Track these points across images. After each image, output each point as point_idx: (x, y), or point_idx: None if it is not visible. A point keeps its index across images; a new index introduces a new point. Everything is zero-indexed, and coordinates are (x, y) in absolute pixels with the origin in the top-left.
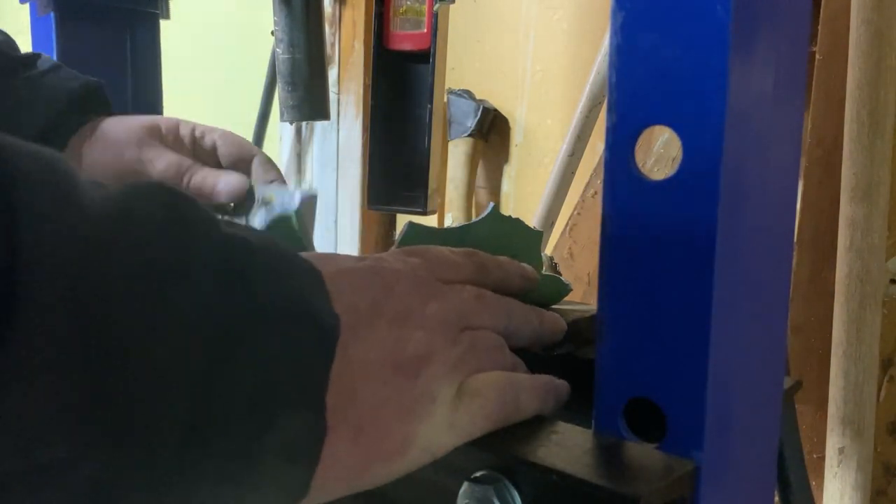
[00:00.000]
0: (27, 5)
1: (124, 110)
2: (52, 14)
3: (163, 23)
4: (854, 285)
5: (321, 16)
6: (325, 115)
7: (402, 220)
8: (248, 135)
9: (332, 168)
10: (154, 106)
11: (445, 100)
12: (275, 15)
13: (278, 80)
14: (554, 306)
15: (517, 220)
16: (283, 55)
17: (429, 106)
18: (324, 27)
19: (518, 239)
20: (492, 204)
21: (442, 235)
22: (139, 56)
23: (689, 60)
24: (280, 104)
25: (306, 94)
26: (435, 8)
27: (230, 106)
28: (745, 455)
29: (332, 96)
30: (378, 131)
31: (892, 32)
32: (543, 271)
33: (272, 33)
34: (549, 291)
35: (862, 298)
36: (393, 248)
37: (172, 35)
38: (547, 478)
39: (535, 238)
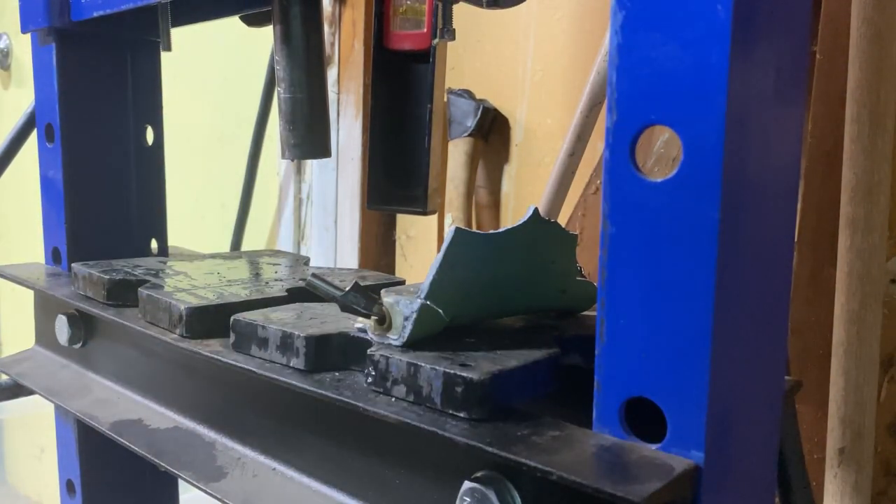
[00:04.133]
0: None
1: (125, 139)
2: (52, 45)
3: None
4: (854, 285)
5: (322, 54)
6: (325, 154)
7: (403, 220)
8: (248, 134)
9: (332, 168)
10: (155, 132)
11: (445, 100)
12: (275, 54)
13: (279, 118)
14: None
15: (555, 223)
16: (284, 94)
17: (429, 106)
18: (325, 65)
19: (555, 242)
20: (532, 206)
21: (487, 240)
22: (140, 84)
23: (689, 60)
24: (280, 142)
25: (307, 134)
26: (434, 43)
27: (230, 107)
28: (745, 455)
29: (332, 96)
30: (378, 131)
31: (892, 32)
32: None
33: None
34: (583, 296)
35: (862, 298)
36: (440, 253)
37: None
38: (547, 478)
39: (571, 242)
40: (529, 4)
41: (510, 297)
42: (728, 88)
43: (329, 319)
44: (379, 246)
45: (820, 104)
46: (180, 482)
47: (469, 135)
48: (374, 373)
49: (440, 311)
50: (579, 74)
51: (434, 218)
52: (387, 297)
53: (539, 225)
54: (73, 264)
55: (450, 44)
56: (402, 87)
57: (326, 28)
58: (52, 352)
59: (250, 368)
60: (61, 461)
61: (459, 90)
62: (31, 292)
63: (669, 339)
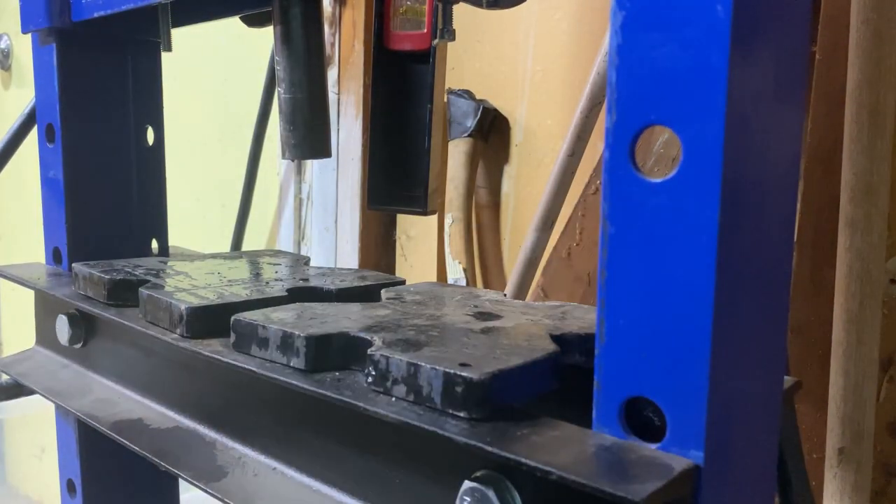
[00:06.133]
0: None
1: (126, 139)
2: (53, 45)
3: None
4: (854, 285)
5: (322, 54)
6: (325, 154)
7: (403, 220)
8: (248, 134)
9: (332, 168)
10: (156, 132)
11: (445, 100)
12: (275, 54)
13: (279, 118)
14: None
15: None
16: (284, 95)
17: (429, 106)
18: (325, 65)
19: None
20: None
21: None
22: (141, 85)
23: (689, 60)
24: (281, 142)
25: (308, 133)
26: (434, 43)
27: (230, 107)
28: (745, 455)
29: (332, 96)
30: (378, 131)
31: (892, 32)
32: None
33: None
34: None
35: (862, 298)
36: None
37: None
38: (547, 478)
39: None
40: (529, 4)
41: None
42: (728, 88)
43: (329, 319)
44: (379, 246)
45: (820, 104)
46: (181, 482)
47: (469, 135)
48: (374, 373)
49: None
50: (579, 74)
51: (434, 218)
52: None
53: None
54: (73, 264)
55: (450, 44)
56: (402, 88)
57: (326, 28)
58: (53, 352)
59: (250, 368)
60: (62, 461)
61: (459, 90)
62: (32, 292)
63: (669, 339)
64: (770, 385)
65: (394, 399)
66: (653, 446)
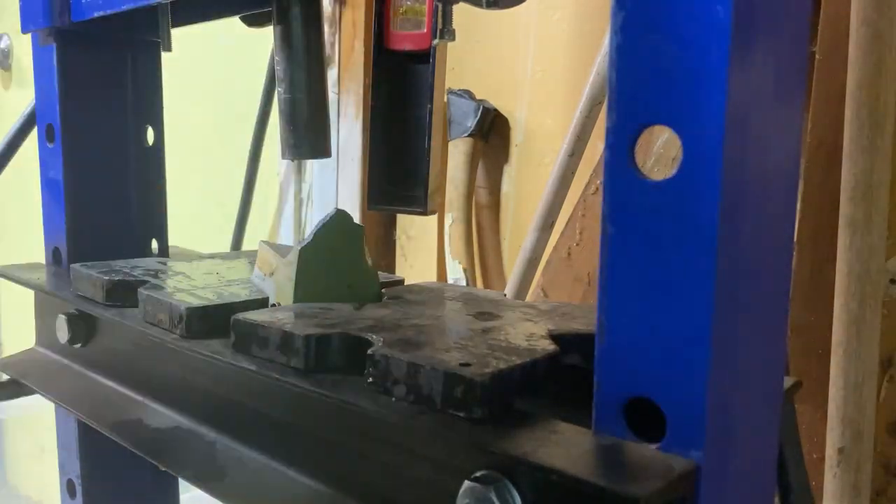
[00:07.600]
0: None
1: (126, 139)
2: (53, 45)
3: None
4: (854, 285)
5: (322, 54)
6: (325, 154)
7: (403, 220)
8: (248, 134)
9: (332, 168)
10: (156, 132)
11: (445, 100)
12: (275, 54)
13: (279, 118)
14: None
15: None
16: (284, 94)
17: (429, 106)
18: (325, 66)
19: (342, 234)
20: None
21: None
22: (141, 85)
23: (689, 60)
24: (280, 142)
25: (307, 133)
26: (434, 43)
27: (230, 107)
28: (745, 455)
29: (332, 96)
30: (378, 131)
31: (891, 33)
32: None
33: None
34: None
35: (862, 298)
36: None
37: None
38: (547, 478)
39: (356, 234)
40: (529, 4)
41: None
42: (728, 88)
43: (329, 319)
44: (379, 246)
45: (820, 104)
46: (180, 482)
47: (469, 135)
48: (374, 373)
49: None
50: (579, 74)
51: (434, 218)
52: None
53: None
54: (72, 265)
55: (450, 44)
56: (402, 88)
57: (326, 28)
58: (53, 352)
59: (250, 368)
60: (62, 461)
61: (459, 90)
62: (32, 292)
63: (669, 339)
64: (770, 385)
65: (394, 399)
66: (653, 446)
